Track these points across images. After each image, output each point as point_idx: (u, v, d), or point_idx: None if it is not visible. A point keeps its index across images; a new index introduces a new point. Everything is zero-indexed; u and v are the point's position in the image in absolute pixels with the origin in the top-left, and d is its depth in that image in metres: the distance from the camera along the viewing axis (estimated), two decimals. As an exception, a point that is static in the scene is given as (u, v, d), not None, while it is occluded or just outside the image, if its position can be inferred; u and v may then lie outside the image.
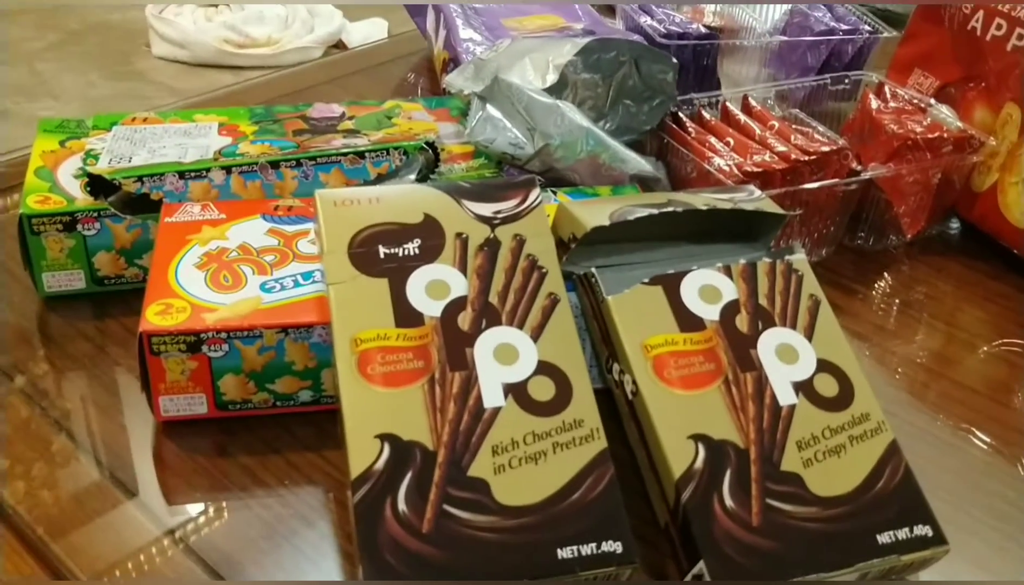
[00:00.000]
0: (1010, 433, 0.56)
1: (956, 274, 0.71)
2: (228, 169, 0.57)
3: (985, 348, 0.63)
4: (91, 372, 0.53)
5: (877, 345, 0.63)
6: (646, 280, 0.48)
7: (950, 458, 0.54)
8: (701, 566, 0.41)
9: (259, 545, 0.44)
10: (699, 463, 0.43)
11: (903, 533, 0.44)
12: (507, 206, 0.49)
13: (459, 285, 0.46)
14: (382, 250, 0.46)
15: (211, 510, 0.46)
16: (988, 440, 0.55)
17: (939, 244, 0.74)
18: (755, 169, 0.63)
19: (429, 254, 0.47)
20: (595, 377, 0.49)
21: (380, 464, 0.41)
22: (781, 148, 0.66)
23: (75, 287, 0.57)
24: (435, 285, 0.46)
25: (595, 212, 0.50)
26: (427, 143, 0.61)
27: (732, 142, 0.67)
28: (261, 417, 0.50)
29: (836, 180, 0.65)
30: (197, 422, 0.50)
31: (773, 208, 0.53)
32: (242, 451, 0.49)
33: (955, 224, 0.76)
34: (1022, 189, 0.68)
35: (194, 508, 0.46)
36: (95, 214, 0.55)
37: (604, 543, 0.41)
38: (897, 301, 0.67)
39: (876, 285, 0.69)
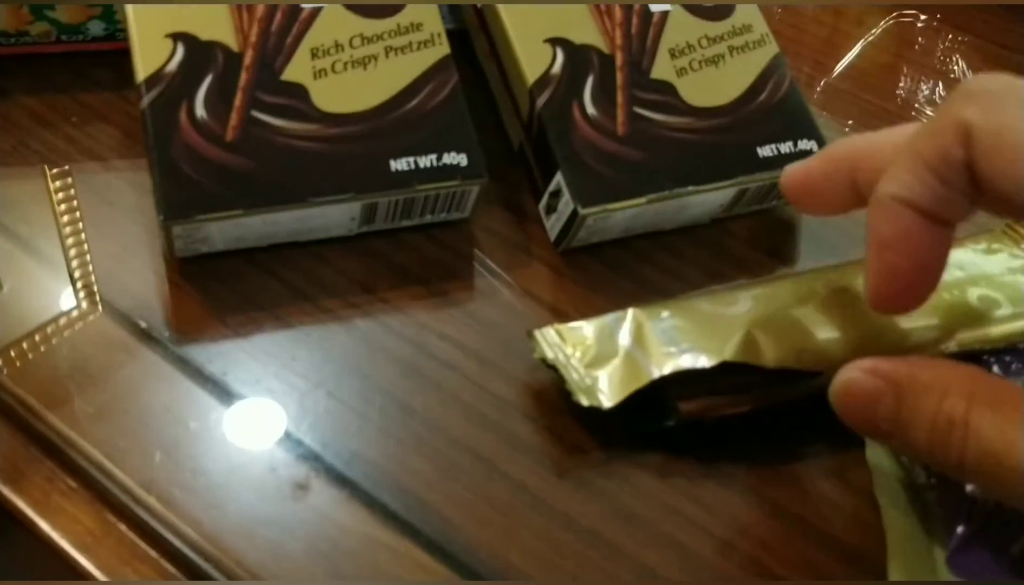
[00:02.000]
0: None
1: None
2: None
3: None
4: None
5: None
6: None
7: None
8: (559, 179, 0.36)
9: (43, 192, 0.37)
10: (556, 68, 0.37)
11: (786, 147, 0.39)
12: None
13: None
14: None
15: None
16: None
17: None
18: None
19: None
20: (447, 16, 0.42)
21: (173, 65, 0.34)
22: None
23: None
24: None
25: None
26: None
27: None
28: (45, 56, 0.42)
29: None
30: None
31: None
32: (23, 92, 0.41)
33: None
34: None
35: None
36: None
37: (446, 154, 0.35)
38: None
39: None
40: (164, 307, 0.34)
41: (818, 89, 0.51)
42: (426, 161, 0.35)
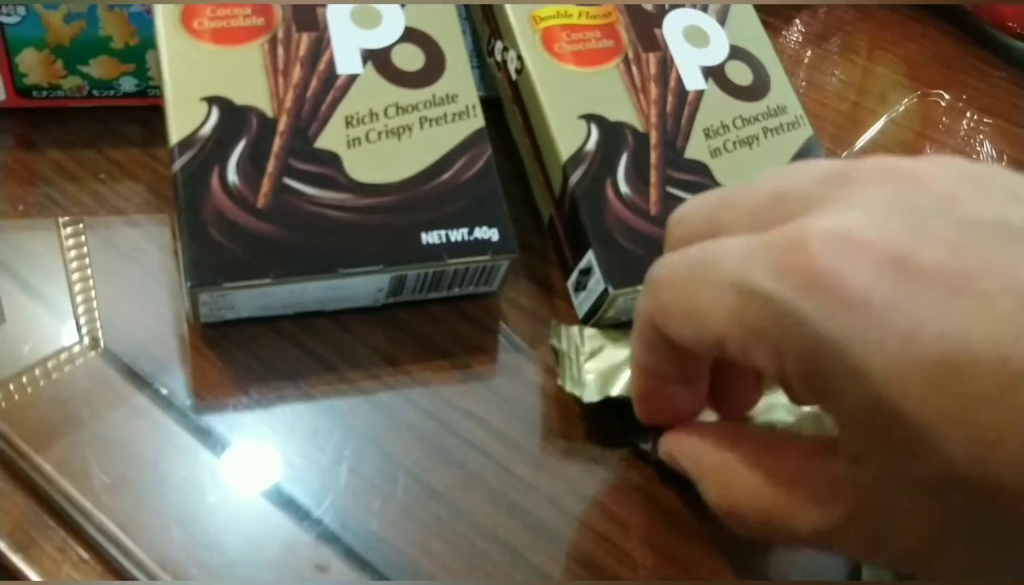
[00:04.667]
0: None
1: (877, 15, 0.65)
2: None
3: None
4: None
5: (790, 75, 0.57)
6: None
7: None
8: (590, 257, 0.35)
9: (65, 243, 0.37)
10: (591, 145, 0.37)
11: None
12: None
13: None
14: None
15: (15, 207, 0.38)
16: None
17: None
18: None
19: None
20: (479, 84, 0.42)
21: (207, 129, 0.34)
22: None
23: None
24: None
25: None
26: None
27: None
28: (75, 109, 0.42)
29: None
30: (-6, 111, 0.41)
31: None
32: (52, 145, 0.40)
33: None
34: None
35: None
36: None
37: (477, 229, 0.35)
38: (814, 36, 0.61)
39: (792, 19, 0.63)
40: (185, 374, 0.33)
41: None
42: (457, 235, 0.34)
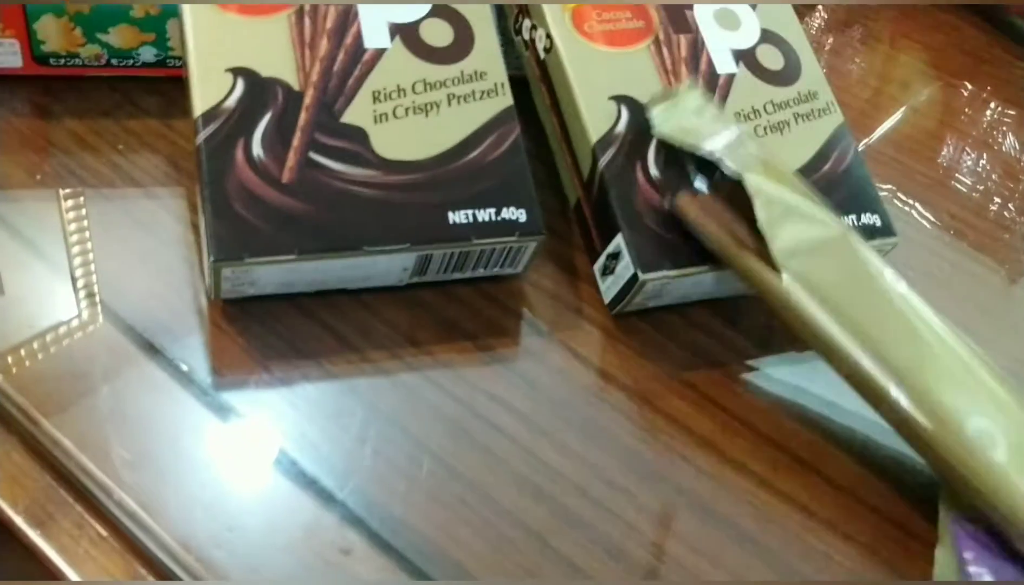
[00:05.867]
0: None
1: (902, 3, 0.64)
2: None
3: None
4: None
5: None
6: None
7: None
8: (619, 241, 0.34)
9: (82, 214, 0.36)
10: (621, 126, 0.36)
11: (850, 220, 0.38)
12: None
13: None
14: None
15: (32, 177, 0.37)
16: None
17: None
18: None
19: None
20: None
21: (232, 101, 0.33)
22: None
23: None
24: None
25: None
26: None
27: None
28: (93, 78, 0.41)
29: None
30: (9, 79, 0.40)
31: None
32: (68, 114, 0.40)
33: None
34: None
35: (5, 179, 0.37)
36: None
37: (505, 209, 0.34)
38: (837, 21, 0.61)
39: (815, 5, 0.62)
40: (205, 349, 0.32)
41: (859, 149, 0.50)
42: (484, 215, 0.34)
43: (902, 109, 0.55)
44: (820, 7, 0.62)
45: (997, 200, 0.49)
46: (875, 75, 0.58)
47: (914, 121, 0.54)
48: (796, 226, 0.32)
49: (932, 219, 0.46)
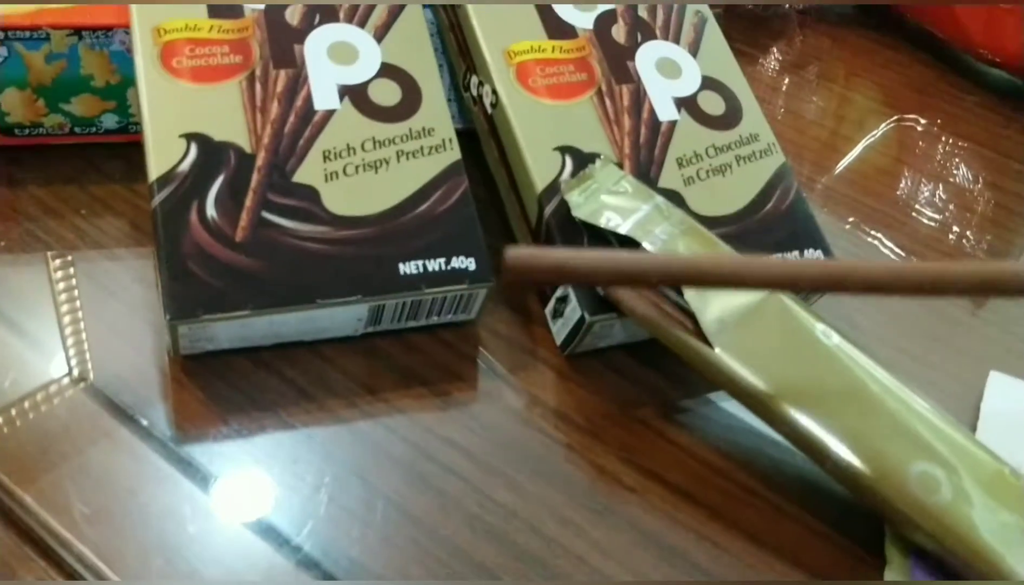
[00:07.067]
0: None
1: (852, 43, 0.66)
2: None
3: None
4: None
5: (768, 103, 0.58)
6: (509, -23, 0.42)
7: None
8: (566, 285, 0.36)
9: (45, 281, 0.37)
10: (566, 175, 0.37)
11: (793, 256, 0.39)
12: None
13: (284, -32, 0.39)
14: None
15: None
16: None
17: (833, 15, 0.69)
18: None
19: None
20: (456, 117, 0.42)
21: (186, 166, 0.34)
22: None
23: None
24: (255, -33, 0.38)
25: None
26: None
27: None
28: (58, 146, 0.42)
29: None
30: (-22, 150, 0.42)
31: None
32: (33, 182, 0.41)
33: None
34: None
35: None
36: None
37: (454, 259, 0.35)
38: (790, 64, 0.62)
39: (768, 48, 0.64)
40: (166, 405, 0.33)
41: (817, 189, 0.51)
42: (434, 264, 0.35)
43: (859, 147, 0.56)
44: (774, 49, 0.64)
45: (956, 229, 0.50)
46: (830, 115, 0.59)
47: (870, 158, 0.56)
48: (723, 297, 0.34)
49: (894, 250, 0.47)
